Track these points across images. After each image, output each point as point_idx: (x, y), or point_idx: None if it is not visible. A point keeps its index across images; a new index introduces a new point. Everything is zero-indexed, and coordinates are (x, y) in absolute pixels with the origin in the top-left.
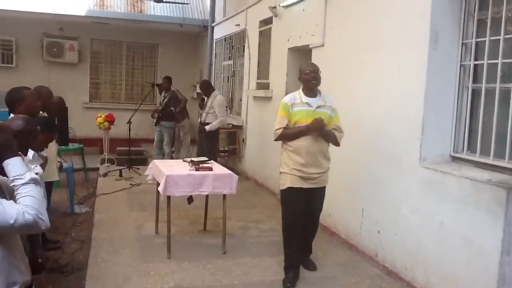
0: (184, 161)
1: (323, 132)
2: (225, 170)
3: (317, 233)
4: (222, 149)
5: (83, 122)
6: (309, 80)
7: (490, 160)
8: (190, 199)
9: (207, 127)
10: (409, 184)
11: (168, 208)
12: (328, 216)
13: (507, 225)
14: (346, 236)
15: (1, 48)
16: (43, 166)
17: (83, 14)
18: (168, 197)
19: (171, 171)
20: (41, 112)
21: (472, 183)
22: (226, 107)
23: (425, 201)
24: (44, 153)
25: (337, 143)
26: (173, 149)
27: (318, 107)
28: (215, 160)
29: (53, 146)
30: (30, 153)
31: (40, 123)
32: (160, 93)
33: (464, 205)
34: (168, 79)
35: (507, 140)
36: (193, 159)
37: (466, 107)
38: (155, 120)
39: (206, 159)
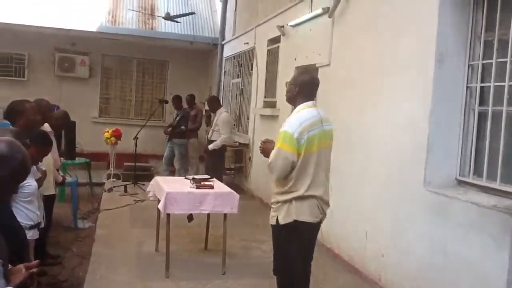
0: (186, 178)
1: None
2: (226, 189)
3: (319, 255)
4: (228, 167)
5: (92, 136)
6: None
7: (496, 185)
8: (190, 217)
9: (210, 146)
10: (414, 207)
11: (167, 226)
12: (331, 237)
13: None
14: (349, 259)
15: (14, 62)
16: (41, 180)
17: (94, 30)
18: (168, 215)
19: (171, 188)
20: (47, 125)
21: (478, 208)
22: (234, 124)
23: (430, 226)
24: (42, 167)
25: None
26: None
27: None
28: (221, 178)
29: (49, 160)
30: None
31: (33, 137)
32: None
33: (469, 231)
34: (177, 98)
35: None
36: (195, 176)
37: (472, 130)
38: (167, 137)
39: (208, 177)
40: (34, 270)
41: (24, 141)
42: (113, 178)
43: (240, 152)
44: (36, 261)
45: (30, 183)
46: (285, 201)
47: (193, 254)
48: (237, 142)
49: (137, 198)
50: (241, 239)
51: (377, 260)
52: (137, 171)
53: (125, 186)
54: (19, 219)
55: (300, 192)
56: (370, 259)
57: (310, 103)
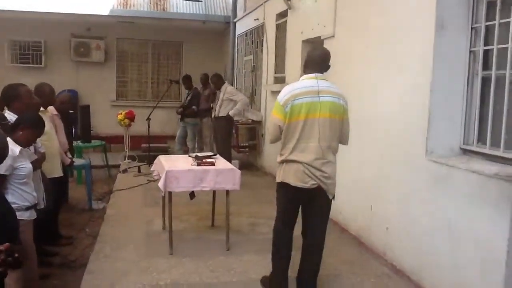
0: (189, 156)
1: None
2: (227, 165)
3: (328, 229)
4: (242, 144)
5: (110, 120)
6: None
7: (500, 153)
8: (192, 195)
9: (231, 112)
10: (416, 178)
11: (169, 204)
12: (339, 214)
13: None
14: (357, 234)
15: (31, 49)
16: (39, 161)
17: (106, 13)
18: (170, 193)
19: (171, 166)
20: (52, 109)
21: (479, 177)
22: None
23: (433, 197)
24: (41, 149)
25: None
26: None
27: None
28: (229, 154)
29: (55, 142)
30: (17, 148)
31: (24, 119)
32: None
33: (471, 201)
34: (187, 78)
35: None
36: (198, 154)
37: (476, 96)
38: (180, 117)
39: (212, 154)
40: None
41: (6, 123)
42: (128, 159)
43: (253, 130)
44: (6, 244)
45: (24, 165)
46: (279, 163)
47: (200, 231)
48: (250, 119)
49: (150, 178)
50: (250, 215)
51: (382, 233)
52: (153, 151)
53: (139, 167)
54: (14, 200)
55: (285, 156)
56: (375, 232)
57: (312, 75)
